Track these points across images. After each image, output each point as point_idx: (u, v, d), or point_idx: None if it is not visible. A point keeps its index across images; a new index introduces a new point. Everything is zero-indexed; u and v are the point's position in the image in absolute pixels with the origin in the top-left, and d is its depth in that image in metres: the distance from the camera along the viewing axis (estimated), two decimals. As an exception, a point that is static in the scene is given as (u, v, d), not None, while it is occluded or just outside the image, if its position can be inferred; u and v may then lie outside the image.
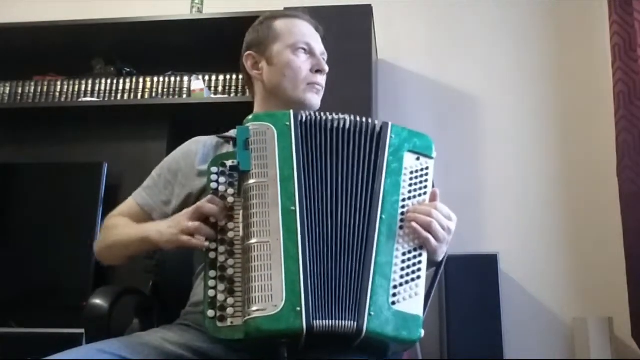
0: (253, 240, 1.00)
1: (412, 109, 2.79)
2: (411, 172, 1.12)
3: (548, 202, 2.65)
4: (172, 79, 2.65)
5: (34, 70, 2.79)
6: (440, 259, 1.14)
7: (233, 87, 2.62)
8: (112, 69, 2.77)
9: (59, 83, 2.71)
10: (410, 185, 1.11)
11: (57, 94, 2.70)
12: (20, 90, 2.72)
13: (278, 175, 1.05)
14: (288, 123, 1.10)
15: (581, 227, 2.60)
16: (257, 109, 1.40)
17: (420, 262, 1.06)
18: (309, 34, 1.39)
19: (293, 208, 1.03)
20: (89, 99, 2.65)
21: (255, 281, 0.97)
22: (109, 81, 2.67)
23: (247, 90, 1.49)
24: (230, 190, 1.09)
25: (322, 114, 1.14)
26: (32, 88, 2.71)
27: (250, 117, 1.12)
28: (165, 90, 2.63)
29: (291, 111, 1.12)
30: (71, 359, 1.01)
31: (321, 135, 1.11)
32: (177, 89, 2.63)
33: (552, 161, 2.69)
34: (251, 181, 1.04)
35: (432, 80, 2.84)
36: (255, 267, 0.98)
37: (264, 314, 0.95)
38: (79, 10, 2.94)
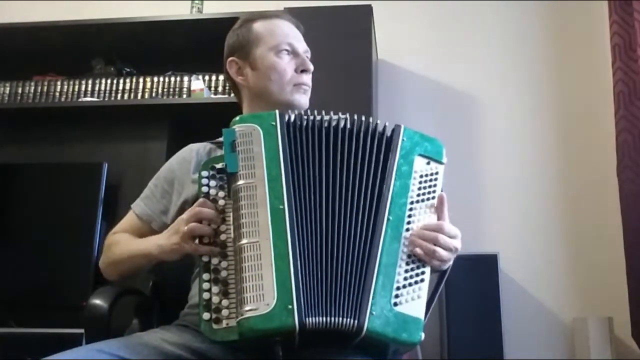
0: (243, 241, 1.01)
1: (412, 109, 2.80)
2: (420, 176, 1.12)
3: (548, 202, 2.65)
4: (172, 79, 2.64)
5: (34, 70, 2.79)
6: (445, 268, 1.13)
7: (233, 88, 2.62)
8: (112, 69, 2.76)
9: (59, 83, 2.71)
10: (419, 189, 1.11)
11: (57, 94, 2.69)
12: (20, 90, 2.71)
13: (265, 175, 1.05)
14: (274, 123, 1.10)
15: (581, 227, 2.60)
16: (245, 112, 1.38)
17: (424, 266, 1.06)
18: (291, 34, 1.37)
19: (281, 207, 1.03)
20: (89, 99, 2.64)
21: (247, 281, 0.97)
22: (109, 81, 2.67)
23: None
24: (221, 193, 1.10)
25: (315, 113, 1.14)
26: (32, 88, 2.71)
27: (236, 119, 1.12)
28: (165, 90, 2.63)
29: (277, 111, 1.12)
30: (71, 359, 1.01)
31: (313, 134, 1.10)
32: (177, 89, 2.62)
33: (552, 161, 2.69)
34: (239, 182, 1.05)
35: (432, 80, 2.84)
36: (247, 268, 0.98)
37: (257, 313, 0.95)
38: (79, 10, 2.94)
